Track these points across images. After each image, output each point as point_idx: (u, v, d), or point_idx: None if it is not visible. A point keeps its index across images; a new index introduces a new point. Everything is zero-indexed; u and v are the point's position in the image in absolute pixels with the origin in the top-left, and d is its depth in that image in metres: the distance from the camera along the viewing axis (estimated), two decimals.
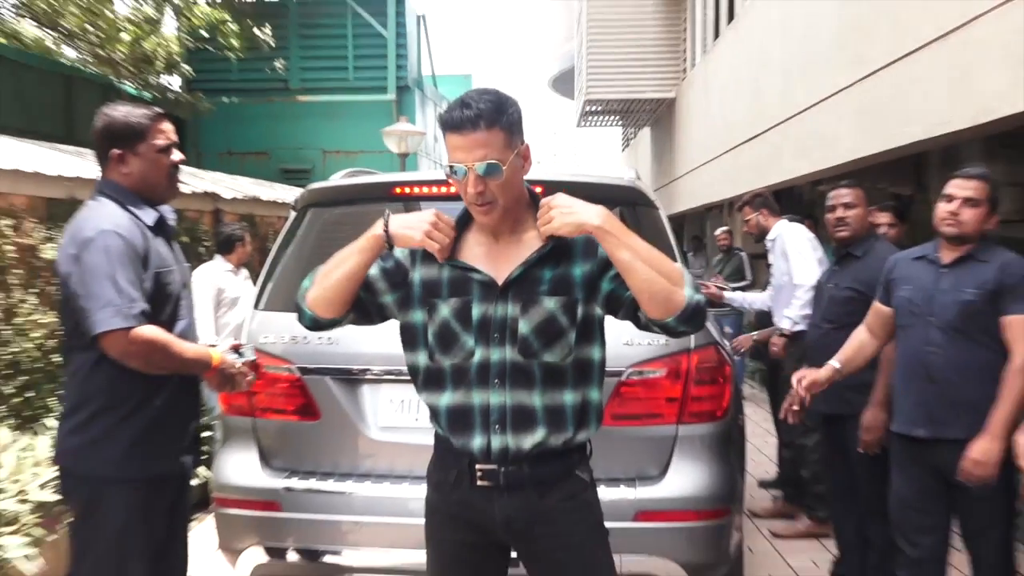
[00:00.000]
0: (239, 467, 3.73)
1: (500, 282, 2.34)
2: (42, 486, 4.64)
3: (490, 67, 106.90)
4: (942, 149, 7.09)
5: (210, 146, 17.22)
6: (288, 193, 10.81)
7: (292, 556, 3.64)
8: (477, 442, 2.35)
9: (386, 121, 15.90)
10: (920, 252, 3.79)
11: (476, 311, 2.34)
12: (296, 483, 3.65)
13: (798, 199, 11.15)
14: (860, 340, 3.96)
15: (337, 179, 4.29)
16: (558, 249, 2.34)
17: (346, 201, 4.08)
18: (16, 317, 5.68)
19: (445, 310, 2.36)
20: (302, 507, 3.61)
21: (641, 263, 2.16)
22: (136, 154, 3.00)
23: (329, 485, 3.63)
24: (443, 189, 3.84)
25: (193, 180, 8.68)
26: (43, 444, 5.01)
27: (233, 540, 3.71)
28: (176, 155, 3.09)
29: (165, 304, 3.01)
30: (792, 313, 5.44)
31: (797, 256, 5.58)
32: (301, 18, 17.95)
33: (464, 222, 2.42)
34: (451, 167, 2.27)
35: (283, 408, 3.70)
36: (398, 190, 3.94)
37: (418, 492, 2.91)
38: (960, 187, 3.60)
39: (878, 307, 3.91)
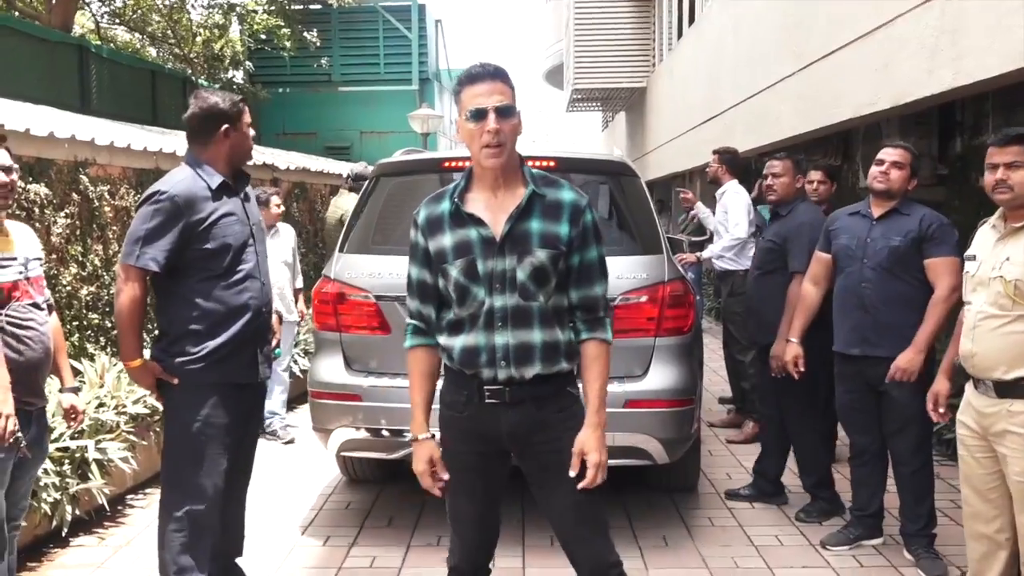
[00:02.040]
0: (329, 369, 4.05)
1: (497, 236, 2.29)
2: (135, 402, 4.62)
3: (495, 62, 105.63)
4: (865, 127, 6.96)
5: (268, 129, 17.02)
6: (332, 165, 10.67)
7: (369, 434, 3.95)
8: (486, 373, 2.33)
9: (411, 107, 15.77)
10: (854, 209, 3.89)
11: (481, 267, 2.30)
12: (372, 380, 3.97)
13: (748, 168, 11.00)
14: (808, 302, 4.00)
15: (399, 155, 4.57)
16: (544, 206, 2.32)
17: (407, 172, 4.38)
18: (114, 265, 5.62)
19: (454, 271, 2.32)
20: (377, 398, 3.92)
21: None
22: (237, 130, 3.07)
23: (397, 382, 3.89)
24: None
25: (255, 155, 8.55)
26: None
27: (325, 423, 4.04)
28: (252, 131, 3.18)
29: (225, 250, 2.99)
30: (714, 249, 5.82)
31: (734, 213, 5.80)
32: (341, 23, 17.74)
33: (465, 185, 2.38)
34: (472, 111, 2.25)
35: (362, 325, 4.01)
36: (447, 164, 4.22)
37: None
38: (889, 153, 3.73)
39: (820, 255, 3.98)
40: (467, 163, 4.09)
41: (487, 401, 2.33)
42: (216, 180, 3.01)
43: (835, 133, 7.27)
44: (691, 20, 12.60)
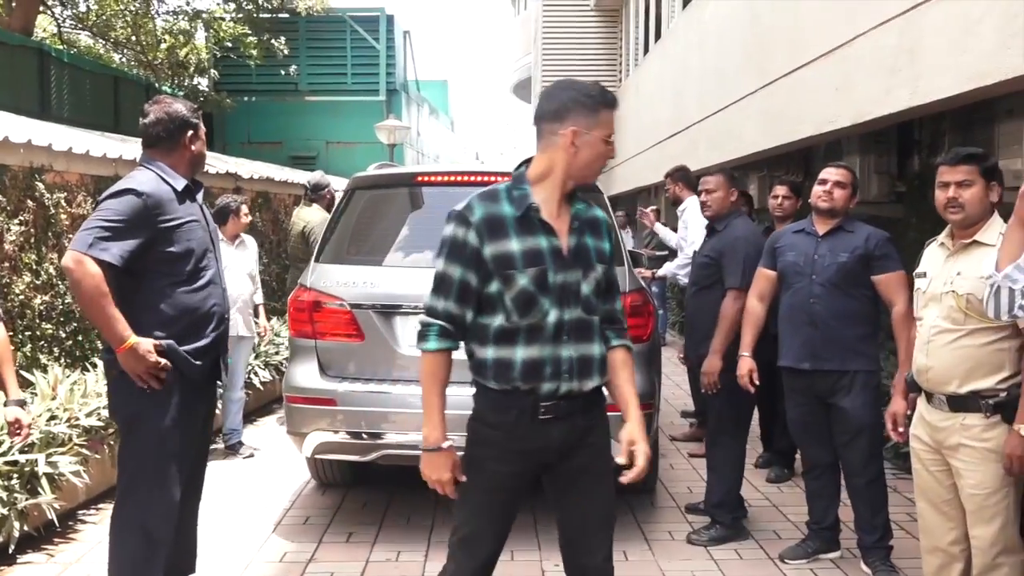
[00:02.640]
0: (305, 374, 4.18)
1: (564, 248, 2.31)
2: (88, 414, 4.52)
3: (463, 75, 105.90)
4: (827, 144, 7.05)
5: (233, 137, 16.89)
6: (297, 175, 10.58)
7: (343, 437, 4.08)
8: (545, 387, 2.29)
9: (378, 117, 15.72)
10: (798, 227, 3.97)
11: (552, 278, 2.27)
12: (347, 385, 4.12)
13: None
14: (754, 317, 4.00)
15: (372, 169, 4.78)
16: (588, 223, 2.39)
17: (380, 186, 4.62)
18: None
19: (524, 280, 2.25)
20: (351, 402, 4.08)
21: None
22: (198, 137, 3.09)
23: (370, 387, 4.10)
24: (452, 178, 4.43)
25: (218, 163, 8.46)
26: (90, 380, 4.87)
27: (300, 426, 4.16)
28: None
29: (189, 255, 2.96)
30: (670, 266, 5.97)
31: (694, 228, 5.79)
32: (308, 32, 17.64)
33: (524, 190, 2.34)
34: (607, 136, 2.33)
35: (337, 332, 4.16)
36: (419, 178, 4.53)
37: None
38: (832, 173, 3.83)
39: (764, 272, 4.02)
40: (436, 177, 4.49)
41: (541, 417, 2.29)
42: (180, 183, 3.01)
43: (797, 150, 7.35)
44: (657, 36, 12.72)
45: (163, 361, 2.87)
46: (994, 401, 2.77)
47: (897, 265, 3.69)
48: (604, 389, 2.45)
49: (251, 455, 5.70)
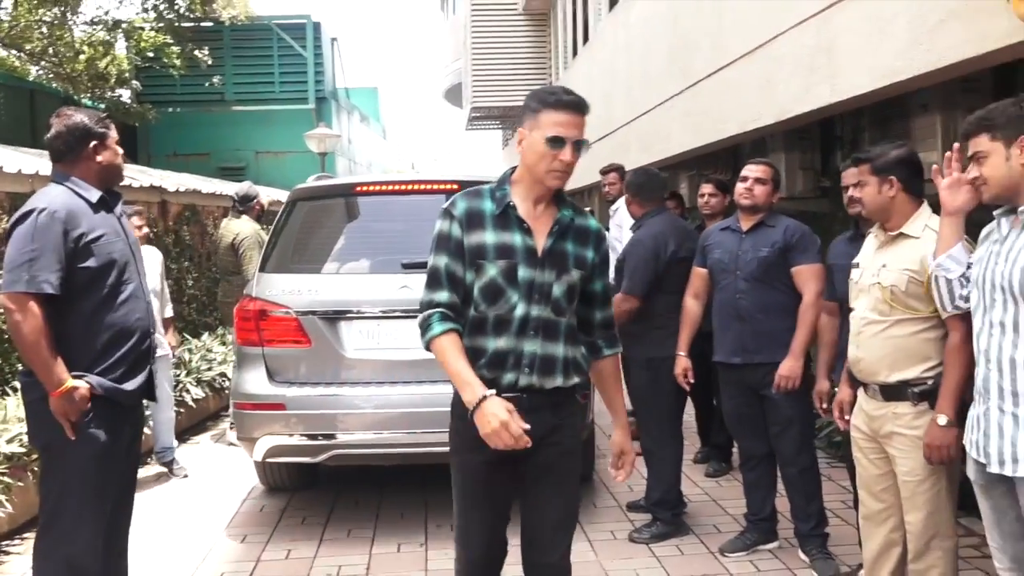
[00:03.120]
0: (253, 381, 4.30)
1: (540, 248, 2.40)
2: (9, 440, 4.35)
3: (393, 81, 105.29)
4: (752, 142, 7.18)
5: (158, 149, 16.49)
6: (225, 187, 10.38)
7: (293, 440, 4.24)
8: (507, 378, 2.38)
9: (307, 126, 15.53)
10: (725, 224, 4.09)
11: (522, 273, 2.38)
12: (295, 390, 4.27)
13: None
14: (690, 316, 4.12)
15: (311, 181, 4.96)
16: (575, 231, 2.46)
17: (321, 197, 4.79)
18: None
19: (493, 270, 2.37)
20: (300, 406, 4.23)
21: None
22: (105, 147, 2.98)
23: (319, 390, 4.27)
24: (390, 187, 4.66)
25: (142, 176, 8.25)
26: (11, 404, 4.69)
27: (250, 432, 4.28)
28: (120, 149, 3.07)
29: (110, 268, 2.88)
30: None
31: (627, 231, 5.67)
32: (233, 41, 17.32)
33: (505, 191, 2.45)
34: (551, 138, 2.33)
35: (284, 339, 4.31)
36: (358, 188, 4.72)
37: (378, 391, 4.22)
38: (752, 170, 3.94)
39: (697, 270, 4.13)
40: (378, 187, 4.66)
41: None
42: (94, 195, 2.92)
43: (725, 148, 7.48)
44: (585, 39, 12.83)
45: (88, 405, 2.79)
46: (920, 389, 2.84)
47: (812, 258, 3.80)
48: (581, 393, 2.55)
49: (185, 476, 5.54)
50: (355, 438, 4.20)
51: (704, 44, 6.79)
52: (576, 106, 2.37)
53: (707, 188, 5.27)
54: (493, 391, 2.29)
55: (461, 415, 2.37)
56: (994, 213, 2.46)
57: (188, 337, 7.73)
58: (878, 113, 5.47)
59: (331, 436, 4.20)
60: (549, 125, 2.34)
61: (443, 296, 2.39)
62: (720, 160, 8.43)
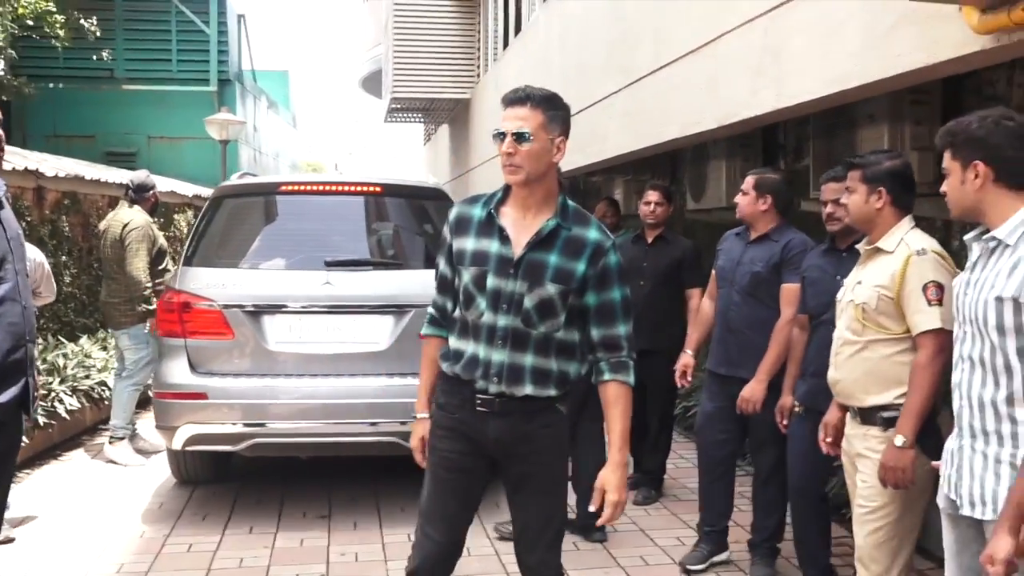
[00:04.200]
0: (175, 371, 4.74)
1: (515, 257, 2.55)
2: None
3: (306, 65, 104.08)
4: (693, 147, 7.32)
5: (36, 129, 15.90)
6: (113, 174, 10.06)
7: (214, 428, 4.67)
8: (480, 384, 2.59)
9: (208, 111, 15.19)
10: (739, 230, 4.29)
11: (490, 281, 2.55)
12: (217, 381, 4.71)
13: (576, 188, 11.32)
14: (702, 317, 4.46)
15: (235, 179, 5.52)
16: (566, 241, 2.56)
17: (246, 194, 5.31)
18: None
19: (466, 276, 2.60)
20: (222, 395, 4.68)
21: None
22: None
23: (240, 381, 4.72)
24: (314, 187, 5.22)
25: (15, 159, 7.92)
26: None
27: (171, 421, 4.70)
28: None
29: None
30: None
31: None
32: (126, 12, 16.82)
33: (502, 197, 2.65)
34: (494, 132, 2.55)
35: (207, 331, 4.75)
36: (284, 188, 5.25)
37: (298, 383, 4.70)
38: (747, 182, 4.19)
39: (714, 273, 4.37)
40: (302, 187, 5.17)
41: (478, 409, 2.59)
42: None
43: (664, 152, 7.59)
44: (517, 29, 12.88)
45: None
46: (889, 415, 2.89)
47: (796, 278, 3.90)
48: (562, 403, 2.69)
49: (10, 540, 4.59)
50: (275, 427, 4.66)
51: (646, 39, 6.88)
52: (515, 99, 2.55)
53: (653, 196, 5.31)
54: (426, 414, 2.74)
55: (440, 404, 2.69)
56: (965, 239, 2.45)
57: (64, 341, 7.46)
58: (824, 122, 5.62)
59: (251, 425, 4.64)
60: (500, 121, 2.57)
61: (437, 298, 2.78)
62: (659, 165, 8.56)
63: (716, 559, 4.25)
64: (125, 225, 6.12)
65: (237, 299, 4.73)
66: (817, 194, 5.70)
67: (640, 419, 5.40)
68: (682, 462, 5.96)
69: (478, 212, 2.64)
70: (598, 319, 2.61)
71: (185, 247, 5.09)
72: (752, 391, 3.93)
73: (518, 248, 2.56)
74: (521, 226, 2.58)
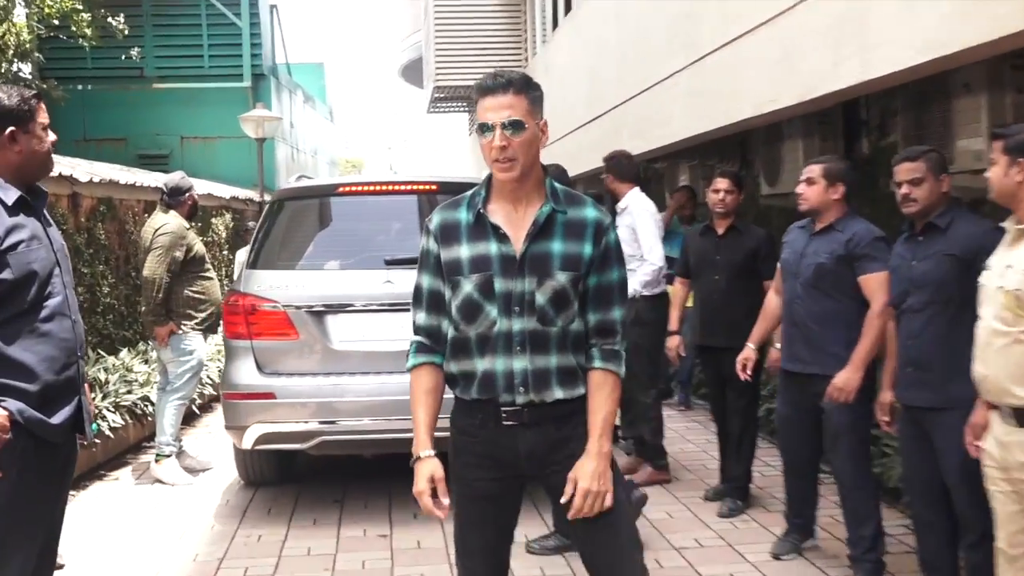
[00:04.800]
0: (242, 372, 5.19)
1: (518, 254, 2.48)
2: None
3: (342, 56, 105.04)
4: (766, 127, 7.20)
5: (66, 133, 16.07)
6: (147, 178, 10.22)
7: (283, 428, 5.09)
8: (504, 397, 2.50)
9: (243, 108, 15.36)
10: (804, 222, 4.38)
11: (499, 285, 2.48)
12: (284, 380, 5.14)
13: (636, 176, 11.21)
14: (769, 310, 4.59)
15: (293, 182, 5.91)
16: (566, 225, 2.50)
17: (305, 196, 5.72)
18: None
19: (468, 286, 2.50)
20: (289, 395, 5.10)
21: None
22: (28, 132, 2.89)
23: (306, 380, 5.14)
24: (371, 188, 5.57)
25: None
26: None
27: (240, 421, 5.13)
28: (51, 135, 3.00)
29: (31, 280, 2.79)
30: (635, 283, 5.40)
31: (645, 235, 5.59)
32: (154, 7, 17.09)
33: (486, 195, 2.56)
34: (479, 125, 2.47)
35: (272, 331, 5.17)
36: (341, 189, 5.60)
37: (363, 381, 5.07)
38: (803, 172, 4.28)
39: (779, 266, 4.50)
40: (358, 188, 5.53)
41: (504, 423, 2.51)
42: (12, 195, 2.82)
43: (733, 135, 7.49)
44: (567, 8, 12.83)
45: (8, 436, 2.69)
46: None
47: (879, 266, 3.97)
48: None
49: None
50: (342, 425, 5.03)
51: (712, 12, 6.79)
52: (499, 86, 2.45)
53: (723, 183, 5.27)
54: (431, 452, 2.50)
55: (461, 429, 2.59)
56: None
57: (104, 354, 7.58)
58: (913, 94, 5.49)
59: (319, 423, 5.05)
60: (480, 114, 2.48)
61: (420, 318, 2.61)
62: (727, 148, 8.45)
63: (805, 545, 4.49)
64: (157, 230, 6.17)
65: (301, 300, 5.14)
66: None
67: (721, 423, 5.38)
68: (768, 469, 5.86)
69: (464, 215, 2.55)
70: (595, 303, 2.53)
71: (249, 250, 5.56)
72: (846, 380, 3.93)
73: (518, 244, 2.49)
74: (514, 220, 2.52)
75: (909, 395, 3.62)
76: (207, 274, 6.43)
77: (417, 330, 2.62)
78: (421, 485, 2.50)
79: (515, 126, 2.43)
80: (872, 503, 4.08)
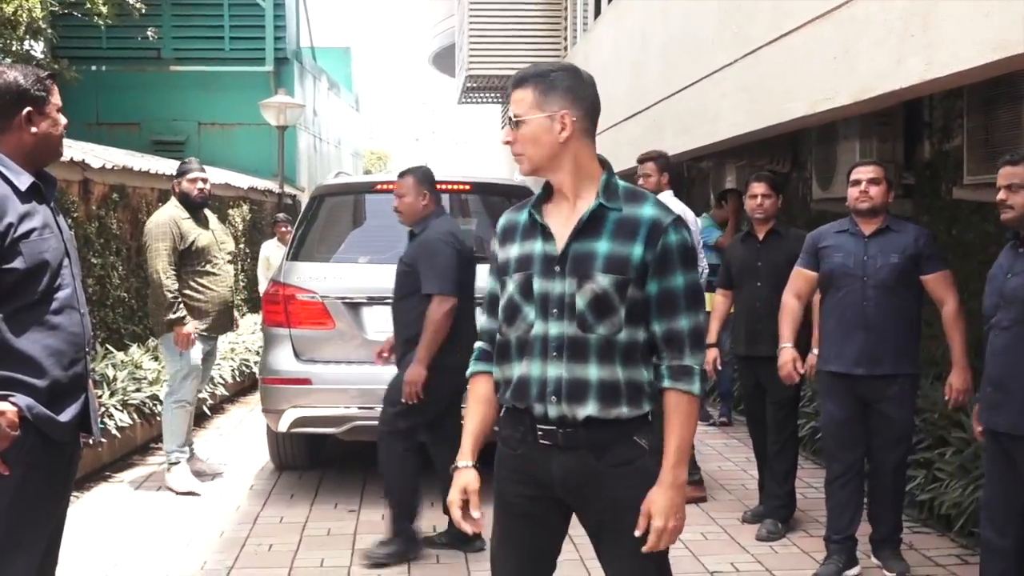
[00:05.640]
0: (281, 359, 5.85)
1: (558, 251, 2.49)
2: None
3: (371, 41, 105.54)
4: (820, 127, 7.17)
5: (77, 116, 16.24)
6: (162, 164, 10.34)
7: (318, 412, 5.76)
8: (537, 409, 2.49)
9: (264, 93, 15.47)
10: (839, 227, 4.68)
11: (537, 285, 2.50)
12: (320, 368, 5.81)
13: (680, 175, 11.21)
14: (792, 312, 4.82)
15: (332, 179, 6.80)
16: (618, 224, 2.47)
17: (344, 192, 6.51)
18: None
19: (511, 285, 2.55)
20: (325, 381, 5.76)
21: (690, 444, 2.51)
22: (43, 114, 2.94)
23: (341, 368, 5.81)
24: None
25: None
26: None
27: (277, 405, 5.80)
28: (63, 118, 3.05)
29: (42, 270, 2.83)
30: None
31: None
32: None
33: (545, 195, 2.62)
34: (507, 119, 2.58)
35: (310, 321, 5.83)
36: (380, 186, 6.17)
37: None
38: (864, 172, 4.58)
39: (804, 271, 4.77)
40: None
41: (540, 441, 2.50)
42: (25, 180, 2.87)
43: (784, 134, 7.46)
44: None
45: (17, 432, 2.74)
46: None
47: (945, 264, 4.52)
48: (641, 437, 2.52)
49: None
50: (374, 412, 5.28)
51: (764, 3, 6.77)
52: (514, 83, 2.53)
53: (759, 187, 5.41)
54: (469, 463, 2.56)
55: (503, 439, 2.62)
56: None
57: (112, 350, 7.68)
58: (981, 95, 5.45)
59: (352, 409, 5.66)
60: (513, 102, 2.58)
61: (482, 321, 2.72)
62: (778, 148, 8.43)
63: (848, 574, 4.55)
64: (168, 223, 6.13)
65: (338, 291, 5.78)
66: (972, 180, 5.59)
67: (758, 438, 5.41)
68: (811, 491, 5.84)
69: (523, 217, 2.61)
70: (658, 311, 2.46)
71: (290, 243, 6.26)
72: (963, 380, 4.36)
73: (561, 242, 2.49)
74: (564, 219, 2.53)
75: (991, 418, 3.68)
76: (209, 270, 6.29)
77: (480, 335, 2.71)
78: (453, 495, 2.56)
79: (514, 123, 2.51)
80: (904, 491, 4.72)
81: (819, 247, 4.68)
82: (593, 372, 2.44)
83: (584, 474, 2.47)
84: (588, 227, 2.47)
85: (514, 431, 2.56)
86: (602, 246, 2.45)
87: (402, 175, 5.13)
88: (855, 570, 4.57)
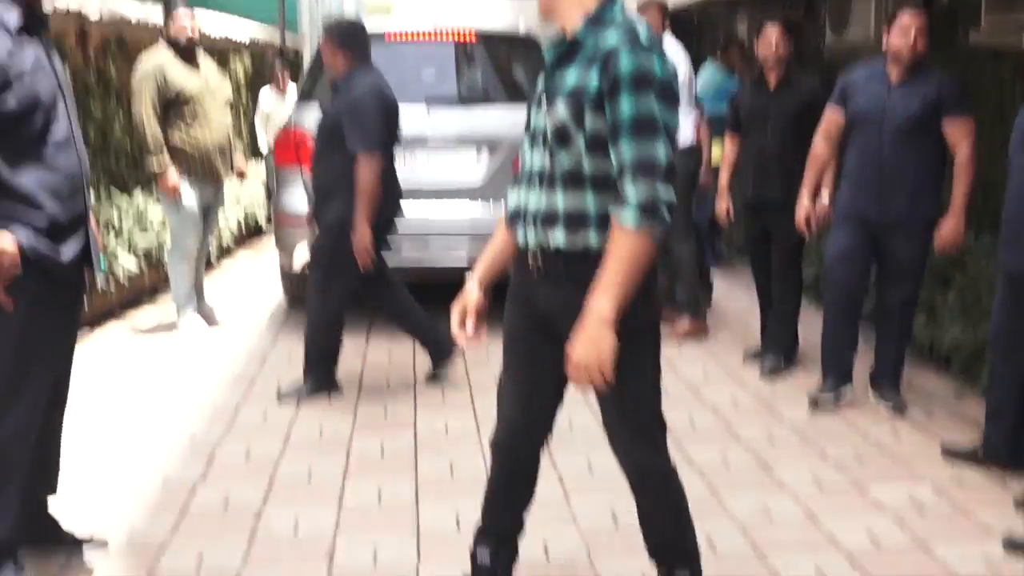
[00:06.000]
0: (293, 199, 6.19)
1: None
2: None
3: None
4: None
5: None
6: (160, 14, 10.17)
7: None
8: (520, 235, 2.63)
9: None
10: (871, 70, 4.73)
11: (532, 119, 2.63)
12: None
13: (689, 22, 11.05)
14: (817, 159, 4.87)
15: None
16: (587, 54, 2.47)
17: None
18: None
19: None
20: None
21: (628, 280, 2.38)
22: None
23: None
24: (413, 35, 6.65)
25: None
26: None
27: (290, 243, 6.23)
28: None
29: (35, 108, 2.86)
30: None
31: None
32: None
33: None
34: None
35: None
36: (389, 36, 6.56)
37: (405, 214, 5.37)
38: (913, 19, 4.49)
39: (834, 111, 4.77)
40: (402, 35, 6.55)
41: (527, 267, 2.63)
42: (12, 16, 2.85)
43: None
44: None
45: (17, 265, 2.82)
46: None
47: (967, 112, 4.52)
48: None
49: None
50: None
51: None
52: None
53: (773, 33, 5.32)
54: (475, 281, 2.76)
55: (512, 268, 2.74)
56: None
57: (116, 191, 7.71)
58: None
59: None
60: None
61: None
62: None
63: (843, 402, 4.82)
64: (158, 71, 6.09)
65: None
66: (991, 21, 5.52)
67: (763, 284, 5.52)
68: (813, 336, 5.96)
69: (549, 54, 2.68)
70: (610, 139, 2.42)
71: (300, 83, 6.64)
72: (953, 230, 4.51)
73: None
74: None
75: (1006, 255, 3.89)
76: (198, 115, 6.18)
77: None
78: (457, 305, 2.76)
79: None
80: (910, 328, 4.90)
81: (846, 86, 4.75)
82: (560, 201, 2.51)
83: (564, 307, 2.51)
84: (563, 60, 2.54)
85: (514, 261, 2.71)
86: (570, 78, 2.49)
87: (324, 32, 5.19)
88: (848, 389, 4.84)
